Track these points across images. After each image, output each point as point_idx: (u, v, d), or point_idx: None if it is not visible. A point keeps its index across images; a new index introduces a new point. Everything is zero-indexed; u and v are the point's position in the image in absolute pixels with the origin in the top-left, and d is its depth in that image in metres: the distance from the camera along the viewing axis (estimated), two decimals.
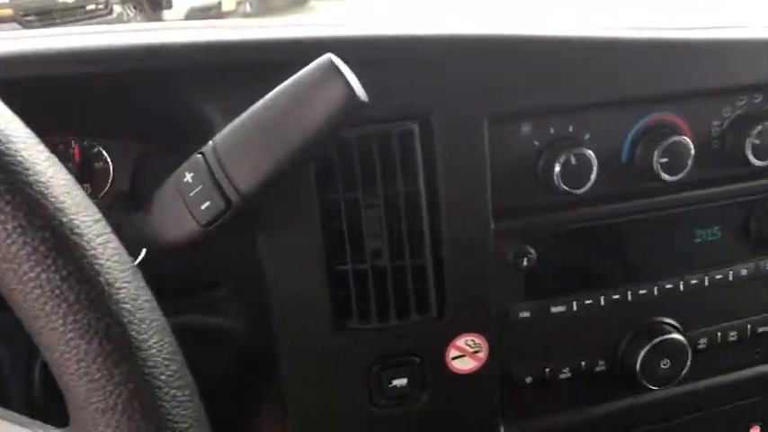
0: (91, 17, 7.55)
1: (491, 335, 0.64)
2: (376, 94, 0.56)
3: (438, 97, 0.58)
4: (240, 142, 0.46)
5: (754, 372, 0.75)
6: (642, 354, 0.67)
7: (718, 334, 0.72)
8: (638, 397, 0.71)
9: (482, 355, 0.65)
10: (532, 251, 0.64)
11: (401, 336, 0.62)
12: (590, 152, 0.62)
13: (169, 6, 8.53)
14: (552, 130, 0.63)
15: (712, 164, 0.69)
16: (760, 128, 0.66)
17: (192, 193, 0.47)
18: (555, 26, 0.63)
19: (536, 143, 0.63)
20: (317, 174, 0.57)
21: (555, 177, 0.62)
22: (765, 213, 0.70)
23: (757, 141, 0.66)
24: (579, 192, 0.62)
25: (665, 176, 0.64)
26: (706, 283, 0.70)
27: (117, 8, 8.25)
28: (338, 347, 0.61)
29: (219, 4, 8.87)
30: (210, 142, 0.48)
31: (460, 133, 0.59)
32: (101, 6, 8.07)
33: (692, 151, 0.64)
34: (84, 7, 7.82)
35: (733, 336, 0.72)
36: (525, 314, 0.65)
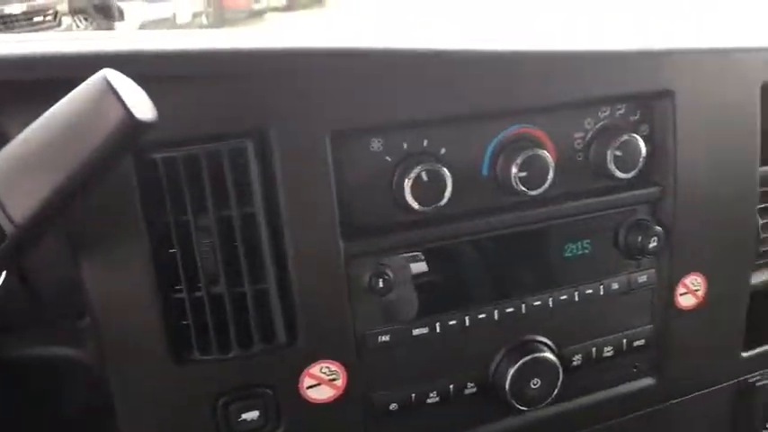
0: (38, 29, 7.34)
1: (349, 361, 0.61)
2: (202, 109, 0.53)
3: (274, 113, 0.55)
4: (14, 167, 0.42)
5: (633, 386, 0.74)
6: (510, 374, 0.65)
7: (593, 349, 0.70)
8: (511, 419, 0.69)
9: (340, 382, 0.61)
10: (389, 272, 0.61)
11: (248, 366, 0.58)
12: (443, 168, 0.59)
13: (121, 18, 8.37)
14: (405, 146, 0.61)
15: (577, 177, 0.67)
16: (622, 139, 0.65)
17: None
18: (405, 38, 0.61)
19: (388, 159, 0.61)
20: (144, 196, 0.54)
21: (406, 195, 0.59)
22: (633, 226, 0.68)
23: (619, 153, 0.65)
24: (432, 209, 0.60)
25: (525, 190, 0.62)
26: (576, 299, 0.68)
27: (66, 19, 8.06)
28: (178, 382, 0.57)
29: (174, 16, 8.75)
30: None
31: (300, 150, 0.56)
32: (49, 18, 7.86)
33: (552, 165, 0.63)
34: (31, 18, 7.60)
35: (609, 351, 0.71)
36: (385, 338, 0.62)
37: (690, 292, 0.72)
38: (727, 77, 0.69)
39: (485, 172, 0.64)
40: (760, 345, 0.79)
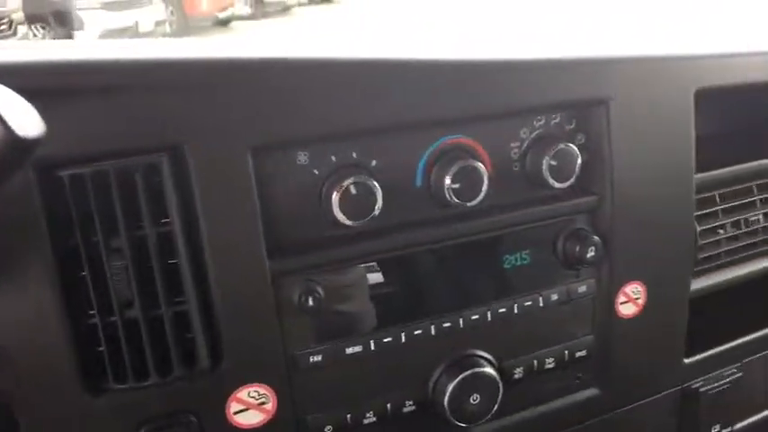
0: None
1: (279, 383, 0.59)
2: (112, 123, 0.50)
3: (190, 126, 0.52)
4: None
5: (577, 397, 0.73)
6: (449, 390, 0.64)
7: (535, 362, 0.69)
8: None
9: (270, 406, 0.59)
10: (320, 290, 0.59)
11: (169, 393, 0.55)
12: (373, 181, 0.57)
13: (81, 27, 8.18)
14: (333, 158, 0.59)
15: (514, 187, 0.66)
16: (557, 148, 0.64)
17: None
18: (328, 47, 0.59)
19: (316, 172, 0.58)
20: (50, 216, 0.50)
21: (334, 209, 0.57)
22: (571, 236, 0.68)
23: (554, 163, 0.64)
24: (363, 223, 0.58)
25: (458, 202, 0.61)
26: (516, 311, 0.67)
27: (22, 28, 7.84)
28: (94, 412, 0.54)
29: (137, 24, 8.59)
30: None
31: (220, 165, 0.53)
32: (3, 26, 7.64)
33: (486, 175, 0.61)
34: None
35: (550, 362, 0.70)
36: (317, 358, 0.60)
37: (630, 300, 0.72)
38: (661, 85, 0.69)
39: (418, 184, 0.63)
40: (702, 351, 0.79)
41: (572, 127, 0.68)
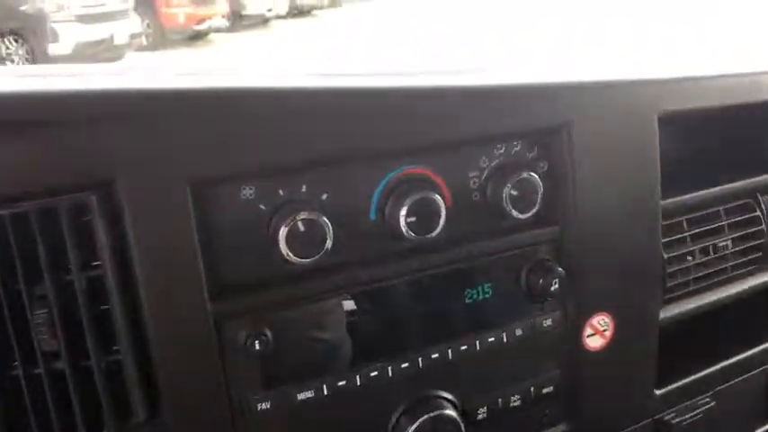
0: None
1: None
2: (32, 161, 0.47)
3: (121, 161, 0.49)
4: None
5: None
6: None
7: (500, 401, 0.66)
8: None
9: None
10: (267, 332, 0.55)
11: None
12: (322, 216, 0.54)
13: (55, 40, 8.06)
14: (281, 192, 0.55)
15: (474, 218, 0.63)
16: (518, 178, 0.62)
17: None
18: (271, 76, 0.56)
19: (262, 207, 0.55)
20: None
21: (281, 247, 0.54)
22: (534, 268, 0.65)
23: (515, 192, 0.62)
24: (313, 261, 0.54)
25: (413, 236, 0.58)
26: (478, 348, 0.64)
27: None
28: None
29: (112, 37, 8.49)
30: None
31: (156, 201, 0.50)
32: None
33: (443, 207, 0.59)
34: None
35: (516, 400, 0.67)
36: (265, 405, 0.56)
37: (597, 332, 0.69)
38: (624, 110, 0.68)
39: (372, 217, 0.60)
40: (673, 381, 0.77)
41: (534, 155, 0.65)
